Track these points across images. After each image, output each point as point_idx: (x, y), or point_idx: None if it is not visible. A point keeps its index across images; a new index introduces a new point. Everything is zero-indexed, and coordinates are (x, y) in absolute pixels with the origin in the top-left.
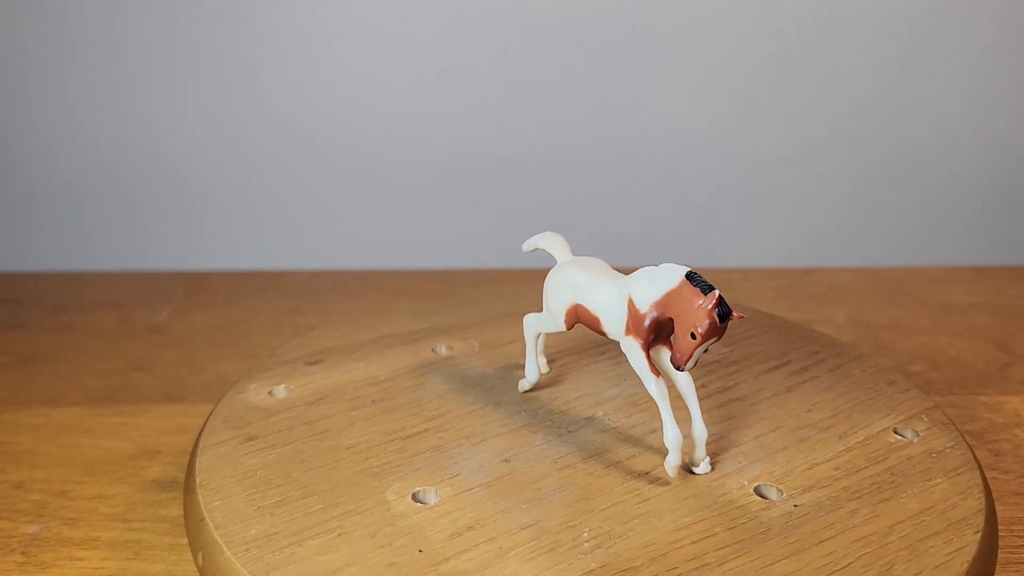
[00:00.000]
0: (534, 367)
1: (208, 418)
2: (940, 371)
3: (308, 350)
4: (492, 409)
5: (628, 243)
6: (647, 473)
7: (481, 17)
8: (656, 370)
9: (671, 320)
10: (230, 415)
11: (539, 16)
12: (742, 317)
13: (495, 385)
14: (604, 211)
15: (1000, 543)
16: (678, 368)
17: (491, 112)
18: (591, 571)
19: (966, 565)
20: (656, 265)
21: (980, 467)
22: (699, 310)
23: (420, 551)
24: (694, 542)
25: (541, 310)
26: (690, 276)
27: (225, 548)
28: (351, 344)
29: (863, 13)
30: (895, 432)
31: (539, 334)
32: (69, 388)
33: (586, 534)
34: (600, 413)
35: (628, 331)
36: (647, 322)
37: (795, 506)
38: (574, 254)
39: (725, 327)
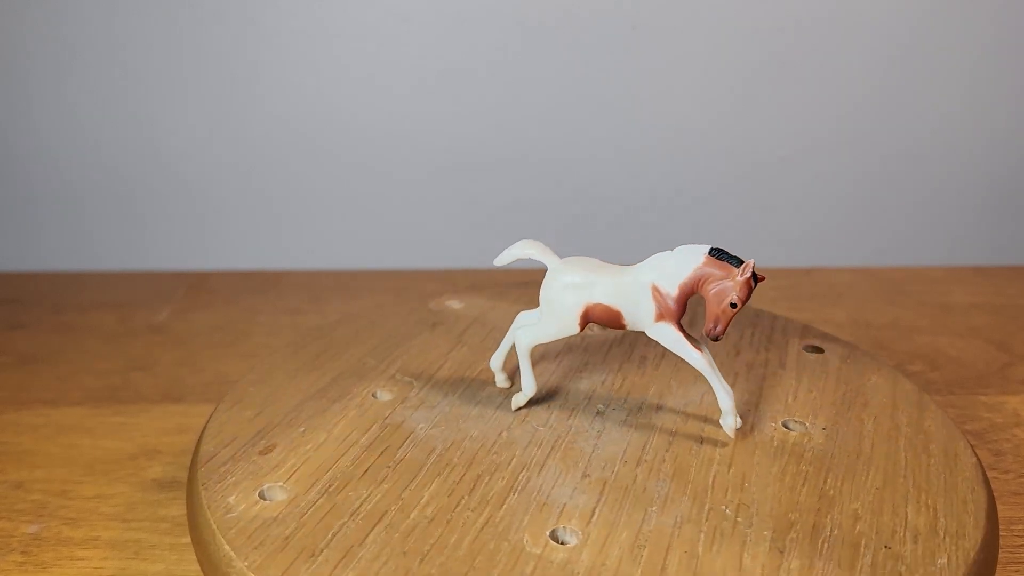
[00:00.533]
0: (533, 379)
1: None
2: (940, 371)
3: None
4: (505, 446)
5: (628, 243)
6: (698, 442)
7: (481, 17)
8: (697, 344)
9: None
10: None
11: (539, 16)
12: (763, 279)
13: (488, 405)
14: (604, 211)
15: (1000, 543)
16: (715, 338)
17: (491, 112)
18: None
19: (967, 565)
20: (669, 251)
21: (981, 466)
22: (737, 282)
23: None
24: (784, 492)
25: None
26: (714, 252)
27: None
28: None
29: (863, 13)
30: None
31: (536, 347)
32: (69, 388)
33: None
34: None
35: (660, 318)
36: (677, 304)
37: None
38: (574, 254)
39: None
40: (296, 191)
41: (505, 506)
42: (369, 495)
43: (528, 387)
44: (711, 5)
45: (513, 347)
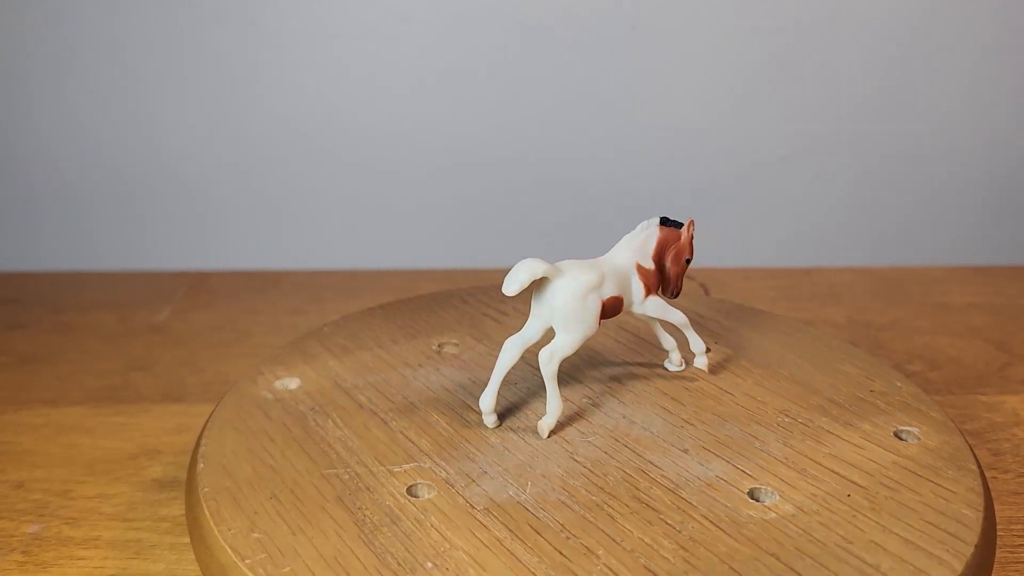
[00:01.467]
0: (559, 398)
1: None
2: (939, 371)
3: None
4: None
5: None
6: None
7: (481, 17)
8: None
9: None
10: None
11: (539, 16)
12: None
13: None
14: (603, 211)
15: (999, 542)
16: (676, 295)
17: (491, 112)
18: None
19: (964, 563)
20: (632, 232)
21: (979, 465)
22: (685, 240)
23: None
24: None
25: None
26: (663, 220)
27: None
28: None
29: (863, 13)
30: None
31: (562, 362)
32: (69, 388)
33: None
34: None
35: (648, 292)
36: (657, 276)
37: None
38: (573, 254)
39: None
40: (296, 191)
41: (696, 503)
42: None
43: (556, 407)
44: (711, 5)
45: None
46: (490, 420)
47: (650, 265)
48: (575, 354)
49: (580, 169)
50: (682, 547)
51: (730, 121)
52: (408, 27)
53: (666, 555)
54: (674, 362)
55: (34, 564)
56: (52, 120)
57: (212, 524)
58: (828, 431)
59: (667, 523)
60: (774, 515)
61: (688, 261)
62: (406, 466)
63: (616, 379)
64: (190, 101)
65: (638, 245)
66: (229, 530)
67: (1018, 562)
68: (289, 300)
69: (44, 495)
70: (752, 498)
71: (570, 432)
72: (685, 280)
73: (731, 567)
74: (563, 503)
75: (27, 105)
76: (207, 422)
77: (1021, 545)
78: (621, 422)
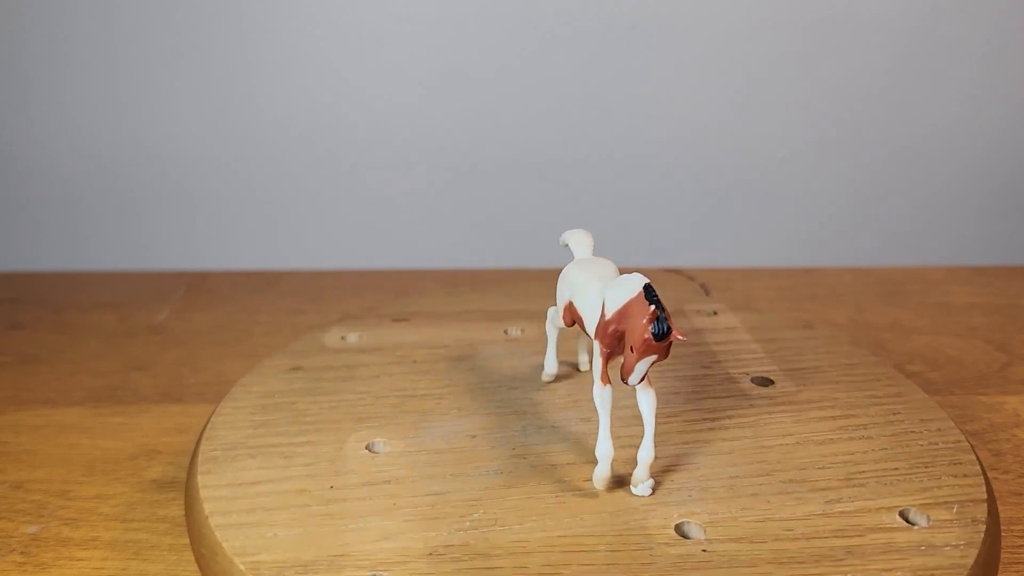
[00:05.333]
0: (553, 359)
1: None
2: (940, 371)
3: (404, 310)
4: (504, 391)
5: (628, 243)
6: (585, 479)
7: (480, 17)
8: (607, 378)
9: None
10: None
11: (538, 16)
12: (683, 339)
13: (528, 371)
14: (604, 211)
15: (1001, 543)
16: (624, 381)
17: (491, 112)
18: (448, 546)
19: (971, 563)
20: (632, 271)
21: (982, 465)
22: (641, 326)
23: (331, 487)
24: (565, 551)
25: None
26: (646, 288)
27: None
28: (443, 312)
29: (863, 14)
30: (900, 516)
31: (558, 328)
32: (69, 388)
33: (478, 515)
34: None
35: (596, 334)
36: (609, 330)
37: (703, 551)
38: (575, 255)
39: (666, 347)
40: (295, 191)
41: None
42: None
43: (549, 365)
44: (711, 5)
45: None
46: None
47: (607, 314)
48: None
49: (580, 169)
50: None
51: (730, 121)
52: (407, 28)
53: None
54: (635, 480)
55: (33, 565)
56: (52, 121)
57: (211, 525)
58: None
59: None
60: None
61: (632, 351)
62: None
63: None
64: (190, 101)
65: (617, 287)
66: (228, 531)
67: (1019, 563)
68: (288, 300)
69: (43, 495)
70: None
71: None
72: (685, 280)
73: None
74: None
75: (27, 105)
76: (207, 422)
77: (1022, 546)
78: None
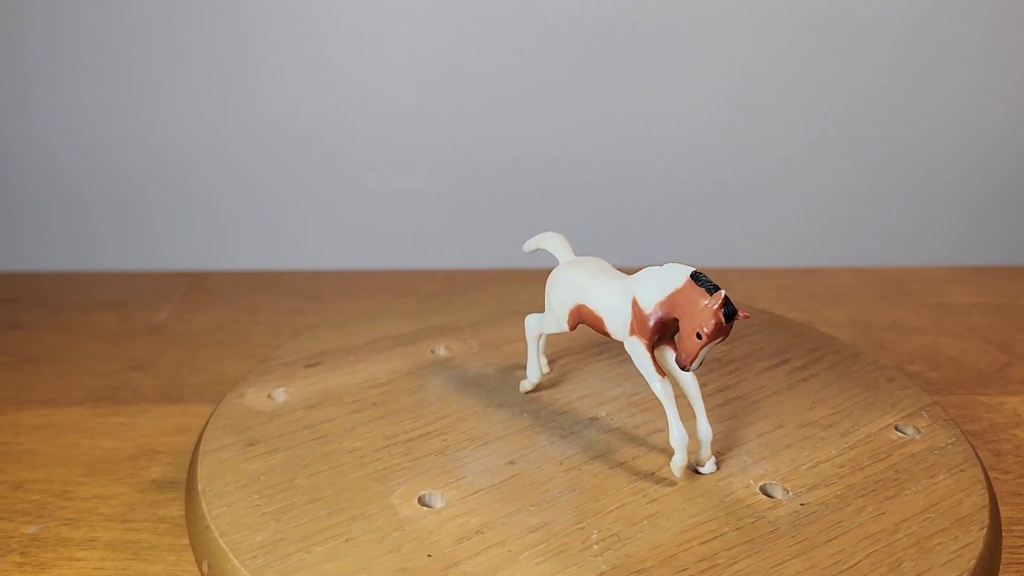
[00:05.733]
0: (536, 368)
1: (208, 422)
2: (940, 371)
3: (306, 352)
4: (494, 410)
5: (628, 243)
6: (653, 473)
7: (480, 17)
8: (661, 370)
9: (675, 320)
10: (230, 419)
11: (538, 16)
12: (747, 317)
13: (496, 386)
14: (604, 211)
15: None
16: (683, 368)
17: (490, 112)
18: (603, 573)
19: (973, 562)
20: (660, 265)
21: (982, 464)
22: (705, 310)
23: (429, 555)
24: (703, 543)
25: (540, 310)
26: (695, 276)
27: (232, 556)
28: (349, 346)
29: (864, 13)
30: (896, 429)
31: (541, 335)
32: (69, 388)
33: (595, 536)
34: (603, 413)
35: (632, 332)
36: (651, 322)
37: (801, 504)
38: (575, 254)
39: (730, 327)
40: (295, 191)
41: (404, 459)
42: None
43: (532, 374)
44: (711, 5)
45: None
46: (525, 384)
47: (647, 308)
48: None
49: (579, 169)
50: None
51: (730, 121)
52: (407, 27)
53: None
54: (673, 464)
55: (32, 565)
56: (52, 121)
57: (211, 525)
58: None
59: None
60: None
61: (700, 337)
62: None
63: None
64: (190, 101)
65: (650, 282)
66: (234, 538)
67: (1020, 563)
68: (288, 300)
69: (43, 496)
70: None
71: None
72: None
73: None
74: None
75: (27, 105)
76: (207, 422)
77: (1023, 546)
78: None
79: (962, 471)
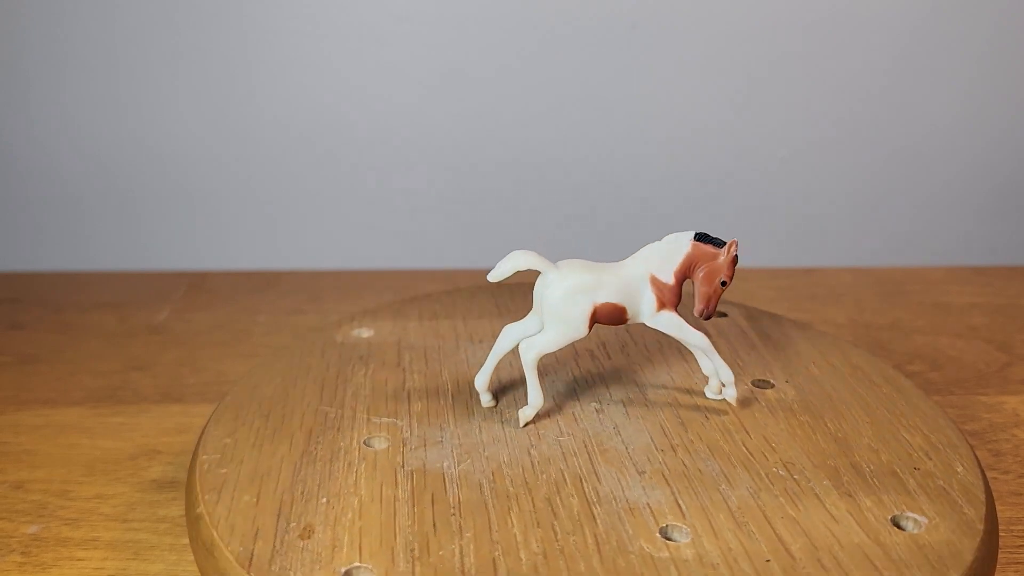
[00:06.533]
0: (540, 392)
1: (208, 421)
2: (940, 371)
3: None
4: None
5: (628, 243)
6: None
7: (480, 17)
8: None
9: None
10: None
11: (538, 16)
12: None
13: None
14: (604, 211)
15: (1000, 543)
16: (708, 317)
17: (490, 112)
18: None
19: (968, 562)
20: (659, 240)
21: (980, 465)
22: (724, 261)
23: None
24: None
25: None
26: (700, 236)
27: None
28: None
29: (864, 13)
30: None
31: (541, 356)
32: (69, 388)
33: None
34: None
35: (662, 307)
36: (675, 291)
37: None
38: (573, 254)
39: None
40: (295, 191)
41: (599, 521)
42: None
43: (536, 400)
44: (711, 5)
45: (499, 363)
46: (485, 399)
47: (669, 279)
48: (610, 358)
49: (579, 169)
50: (544, 554)
51: (730, 121)
52: (407, 27)
53: (521, 554)
54: (712, 388)
55: (33, 565)
56: (52, 121)
57: (211, 525)
58: (818, 497)
59: (554, 529)
60: (666, 555)
61: (724, 284)
62: (384, 419)
63: (641, 392)
64: (190, 101)
65: (658, 256)
66: (228, 531)
67: (1019, 563)
68: (288, 300)
69: (43, 495)
70: (662, 535)
71: (550, 428)
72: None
73: None
74: (479, 484)
75: (27, 105)
76: (207, 422)
77: (1022, 546)
78: (607, 432)
79: (959, 472)
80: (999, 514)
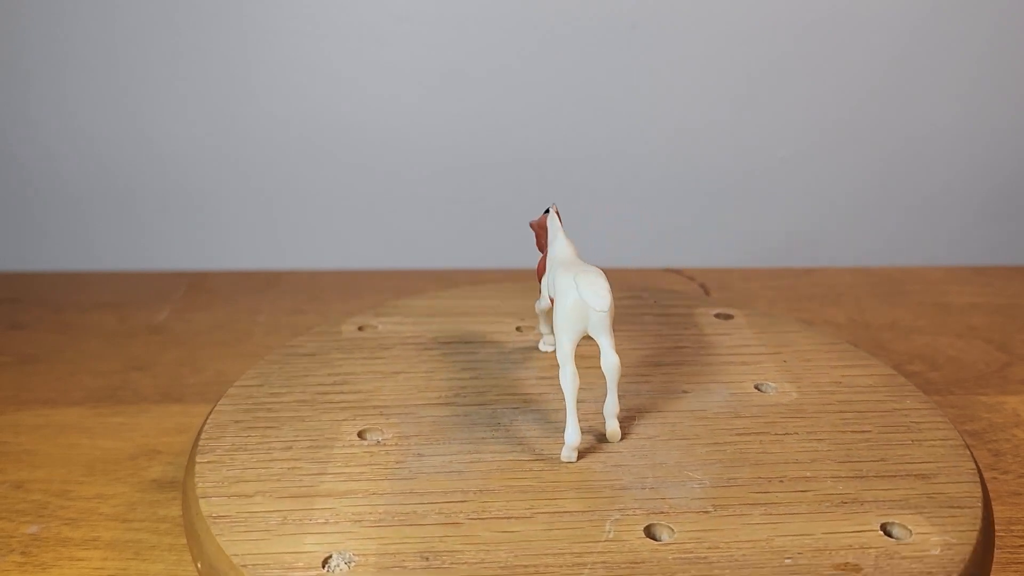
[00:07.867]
0: (577, 426)
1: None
2: (939, 371)
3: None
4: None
5: (628, 243)
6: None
7: (480, 17)
8: None
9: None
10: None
11: (538, 15)
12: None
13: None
14: (604, 211)
15: (999, 543)
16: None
17: (490, 112)
18: None
19: (963, 566)
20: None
21: (978, 468)
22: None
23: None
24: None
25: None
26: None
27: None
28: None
29: (863, 13)
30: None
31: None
32: (69, 388)
33: None
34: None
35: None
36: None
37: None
38: (576, 254)
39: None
40: (295, 191)
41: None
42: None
43: (574, 435)
44: (711, 5)
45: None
46: (570, 455)
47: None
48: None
49: (579, 169)
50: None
51: (730, 121)
52: (407, 27)
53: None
54: (548, 343)
55: (33, 565)
56: (52, 120)
57: (209, 525)
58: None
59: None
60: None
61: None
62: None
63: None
64: (190, 101)
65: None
66: (227, 530)
67: (1019, 563)
68: (289, 300)
69: (43, 495)
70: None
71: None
72: (685, 280)
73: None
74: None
75: (27, 105)
76: (205, 421)
77: (1022, 546)
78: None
79: (956, 470)
80: (999, 514)
